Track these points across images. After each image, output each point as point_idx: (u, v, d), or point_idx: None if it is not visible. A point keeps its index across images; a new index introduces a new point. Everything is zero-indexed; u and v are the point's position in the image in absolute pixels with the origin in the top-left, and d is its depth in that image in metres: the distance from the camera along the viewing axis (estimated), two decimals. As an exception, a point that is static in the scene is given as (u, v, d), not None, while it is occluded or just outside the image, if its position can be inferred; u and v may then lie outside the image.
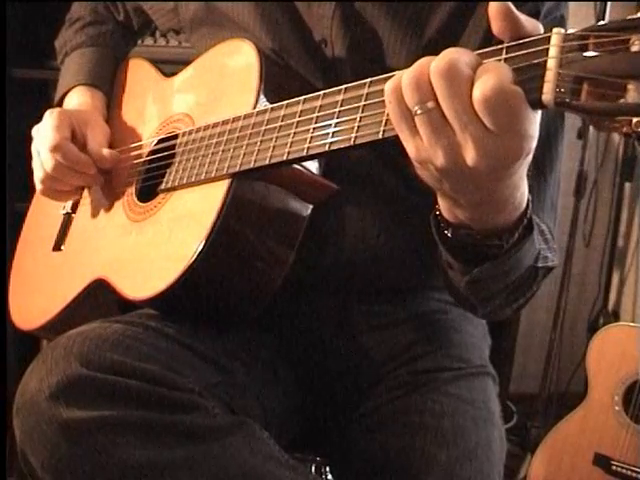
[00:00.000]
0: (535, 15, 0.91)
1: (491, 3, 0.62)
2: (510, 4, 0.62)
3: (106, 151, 1.10)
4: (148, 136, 1.10)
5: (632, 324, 1.96)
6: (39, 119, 1.12)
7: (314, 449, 1.09)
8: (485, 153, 0.63)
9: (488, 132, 0.62)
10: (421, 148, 0.66)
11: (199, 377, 0.86)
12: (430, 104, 0.63)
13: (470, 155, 0.63)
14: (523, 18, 0.62)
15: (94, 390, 0.78)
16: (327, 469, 1.13)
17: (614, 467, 1.87)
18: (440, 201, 0.76)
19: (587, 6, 2.25)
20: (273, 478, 0.82)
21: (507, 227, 0.75)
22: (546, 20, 0.92)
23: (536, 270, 0.86)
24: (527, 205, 0.75)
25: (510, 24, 0.62)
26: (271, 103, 0.89)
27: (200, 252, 0.87)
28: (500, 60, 0.62)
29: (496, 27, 0.63)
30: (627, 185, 2.48)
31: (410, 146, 0.67)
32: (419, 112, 0.64)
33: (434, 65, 0.62)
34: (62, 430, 0.77)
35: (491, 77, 0.60)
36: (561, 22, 0.94)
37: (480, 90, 0.60)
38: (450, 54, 0.62)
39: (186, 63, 1.10)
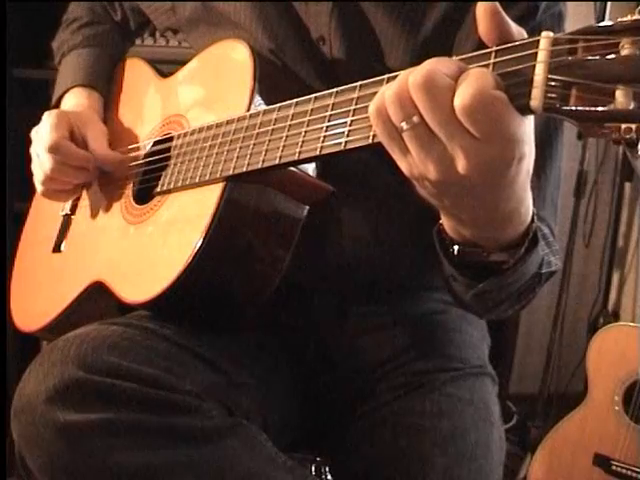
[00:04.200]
0: (534, 11, 0.91)
1: (479, 3, 0.62)
2: (498, 5, 0.61)
3: (109, 153, 1.10)
4: (145, 137, 1.11)
5: (632, 324, 1.95)
6: (39, 119, 1.12)
7: (314, 449, 1.09)
8: (475, 161, 0.62)
9: (475, 140, 0.61)
10: (413, 165, 0.65)
11: (197, 379, 0.86)
12: (415, 119, 0.62)
13: (461, 164, 0.63)
14: (511, 22, 0.62)
15: (91, 393, 0.78)
16: (327, 469, 1.13)
17: (614, 467, 1.87)
18: (444, 220, 0.76)
19: (587, 6, 2.25)
20: (270, 480, 0.83)
21: (513, 242, 0.75)
22: (545, 15, 0.92)
23: (540, 275, 0.86)
24: (532, 218, 0.74)
25: (497, 25, 0.61)
26: (267, 103, 0.89)
27: (196, 255, 0.87)
28: (488, 64, 0.62)
29: (482, 27, 0.62)
30: (627, 185, 2.47)
31: (403, 164, 0.67)
32: (405, 128, 0.63)
33: (411, 80, 0.62)
34: (59, 433, 0.77)
35: (470, 85, 0.59)
36: (559, 18, 0.94)
37: (460, 99, 0.60)
38: (427, 65, 0.62)
39: (183, 63, 1.10)
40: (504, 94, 0.60)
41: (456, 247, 0.77)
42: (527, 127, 0.63)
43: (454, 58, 0.64)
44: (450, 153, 0.63)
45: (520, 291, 0.84)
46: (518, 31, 0.62)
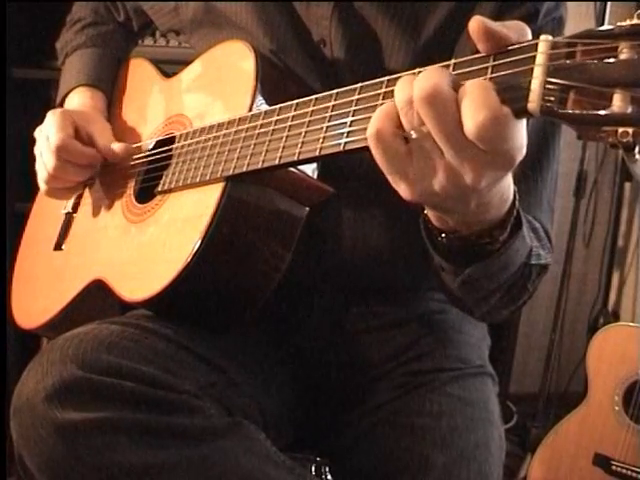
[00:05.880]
0: (534, 15, 0.91)
1: (470, 21, 0.62)
2: (479, 17, 0.61)
3: (116, 145, 1.10)
4: (147, 137, 1.11)
5: (632, 324, 1.96)
6: (39, 119, 1.12)
7: (314, 449, 1.09)
8: (482, 172, 0.63)
9: (483, 152, 0.61)
10: (415, 180, 0.66)
11: (195, 378, 0.86)
12: (424, 129, 0.63)
13: (469, 177, 0.63)
14: (507, 24, 0.62)
15: (90, 392, 0.78)
16: (327, 469, 1.13)
17: (614, 467, 1.87)
18: (429, 212, 0.76)
19: (587, 6, 2.25)
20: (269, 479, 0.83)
21: (498, 222, 0.75)
22: (545, 20, 0.92)
23: (529, 268, 0.86)
24: (514, 197, 0.74)
25: (489, 38, 0.61)
26: (269, 105, 0.89)
27: (195, 255, 0.87)
28: (487, 67, 0.62)
29: (477, 45, 0.62)
30: (627, 185, 2.47)
31: (402, 187, 0.67)
32: (414, 136, 0.63)
33: (417, 94, 0.62)
34: (58, 432, 0.77)
35: (481, 109, 0.59)
36: (560, 23, 0.94)
37: (473, 123, 0.59)
38: (431, 79, 0.61)
39: (186, 63, 1.11)
40: (508, 108, 0.60)
41: (443, 235, 0.77)
42: (525, 129, 0.63)
43: (453, 61, 0.64)
44: (456, 166, 0.63)
45: (510, 283, 0.84)
46: (517, 26, 0.62)
